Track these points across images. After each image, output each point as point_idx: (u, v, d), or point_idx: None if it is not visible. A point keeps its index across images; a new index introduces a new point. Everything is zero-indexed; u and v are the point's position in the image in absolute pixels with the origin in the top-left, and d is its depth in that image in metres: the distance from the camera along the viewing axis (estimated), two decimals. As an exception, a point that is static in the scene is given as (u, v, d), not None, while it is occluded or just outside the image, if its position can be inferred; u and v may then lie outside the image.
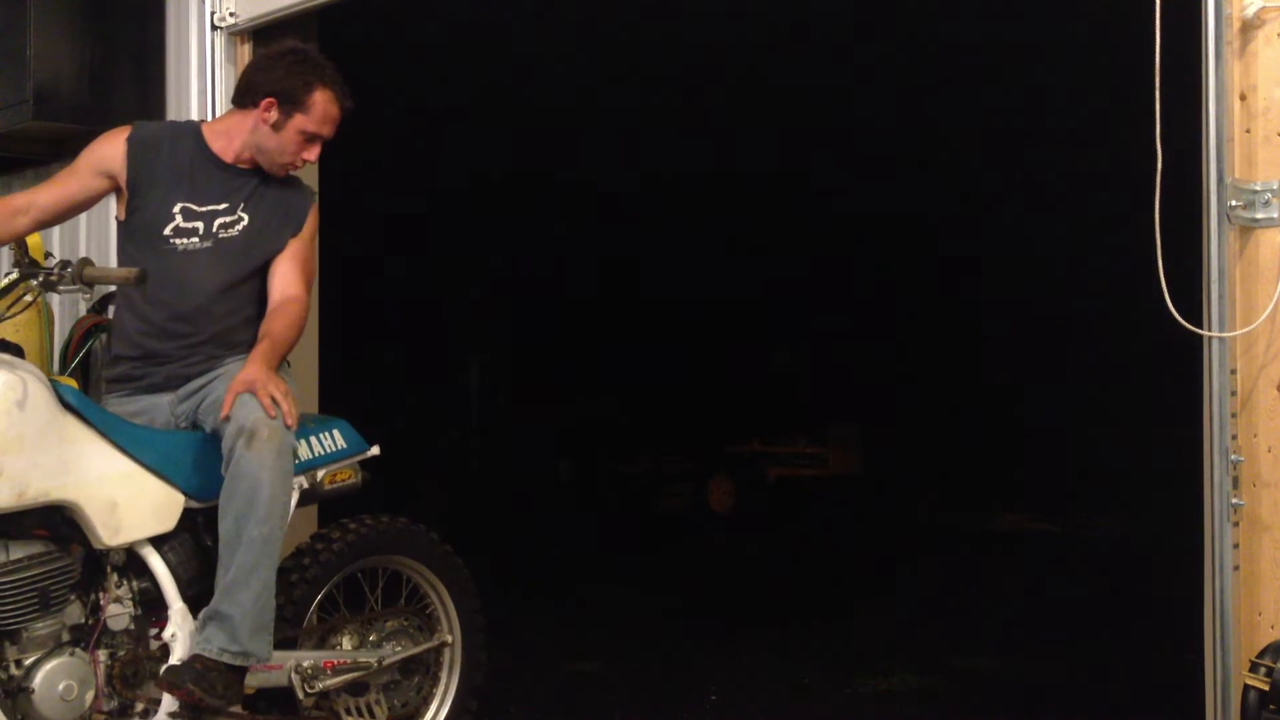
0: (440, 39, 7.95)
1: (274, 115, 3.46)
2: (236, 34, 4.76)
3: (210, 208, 3.47)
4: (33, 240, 5.50)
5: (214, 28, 4.79)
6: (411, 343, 11.75)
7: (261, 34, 4.67)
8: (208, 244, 3.44)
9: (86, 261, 3.36)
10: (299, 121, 3.47)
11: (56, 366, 4.77)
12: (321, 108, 3.48)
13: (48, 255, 5.59)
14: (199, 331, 3.41)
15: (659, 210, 11.70)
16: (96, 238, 5.60)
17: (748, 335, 12.69)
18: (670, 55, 8.51)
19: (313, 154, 3.54)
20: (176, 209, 3.46)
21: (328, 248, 4.75)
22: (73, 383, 4.06)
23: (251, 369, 3.20)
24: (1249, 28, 2.89)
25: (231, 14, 4.70)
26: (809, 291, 12.65)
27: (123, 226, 3.55)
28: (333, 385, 4.77)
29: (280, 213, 3.54)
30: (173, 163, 3.51)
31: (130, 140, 3.53)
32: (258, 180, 3.54)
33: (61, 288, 3.25)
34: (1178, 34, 2.90)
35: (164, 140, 3.55)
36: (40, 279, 3.16)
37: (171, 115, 5.17)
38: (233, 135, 3.54)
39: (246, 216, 3.49)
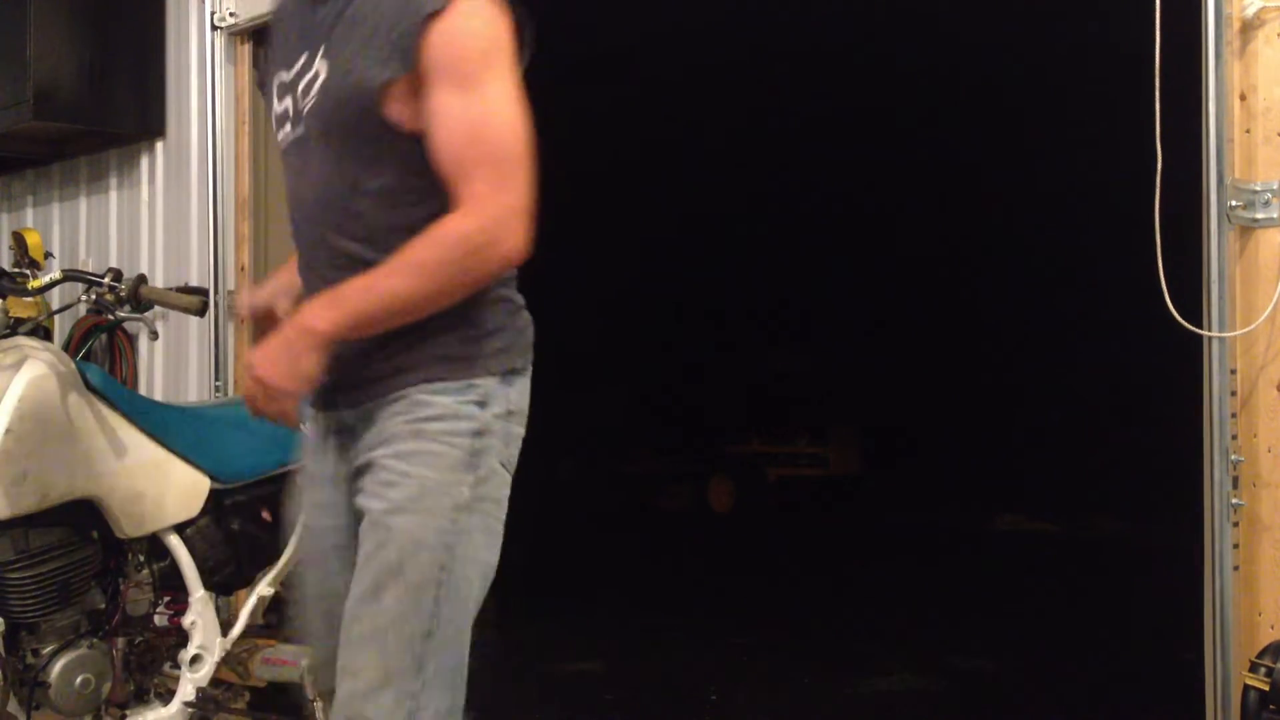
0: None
1: None
2: (236, 34, 4.76)
3: (295, 70, 2.15)
4: (33, 240, 5.52)
5: (214, 28, 4.79)
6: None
7: (262, 34, 4.67)
8: (299, 130, 2.14)
9: (142, 280, 3.07)
10: None
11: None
12: None
13: (48, 255, 5.59)
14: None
15: (659, 209, 11.70)
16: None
17: (748, 335, 12.69)
18: (690, 35, 8.47)
19: None
20: (274, 85, 2.23)
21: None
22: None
23: (259, 350, 2.01)
24: (1249, 28, 2.89)
25: (231, 14, 4.70)
26: (809, 291, 12.66)
27: None
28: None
29: (377, 33, 2.00)
30: (279, 15, 2.30)
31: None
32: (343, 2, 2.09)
33: (120, 312, 3.08)
34: (1178, 34, 2.90)
35: None
36: (94, 294, 3.05)
37: (172, 115, 5.16)
38: None
39: (325, 66, 2.07)
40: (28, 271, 3.29)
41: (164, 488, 3.07)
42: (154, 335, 3.64)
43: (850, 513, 10.96)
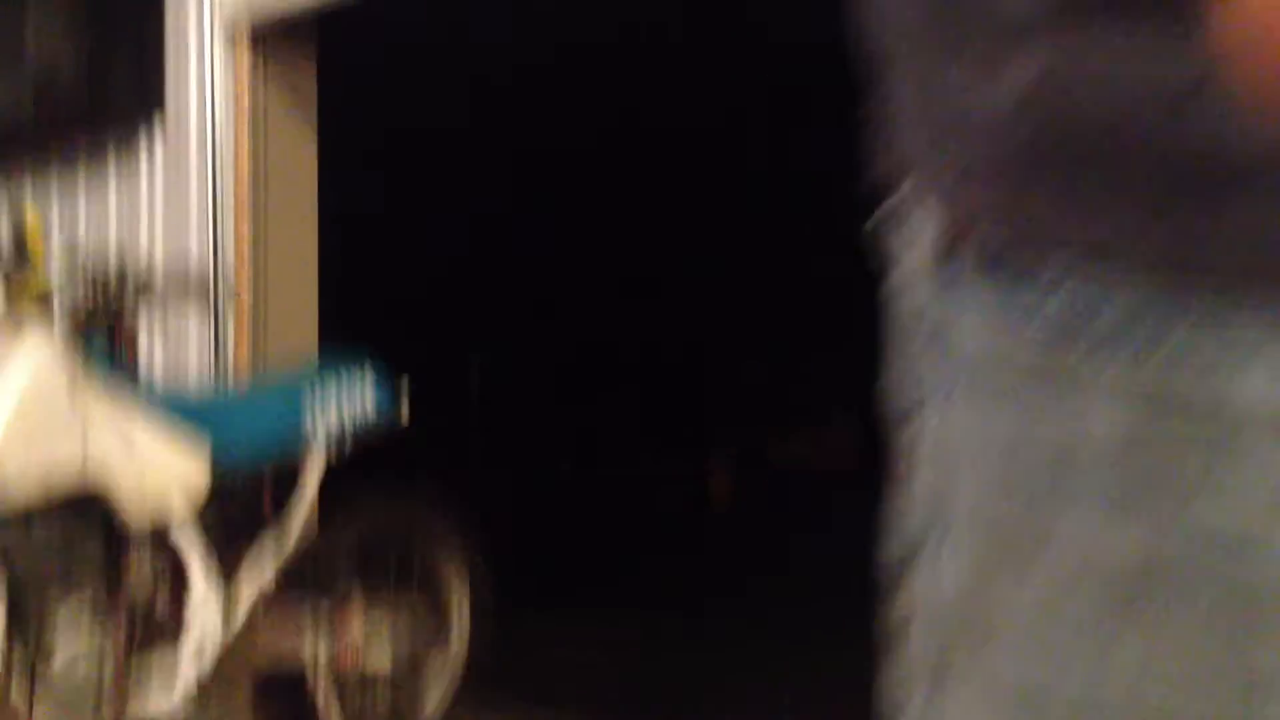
0: (442, 41, 7.95)
1: None
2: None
3: None
4: (32, 236, 5.51)
5: (214, 27, 4.79)
6: (408, 339, 11.73)
7: (262, 35, 4.67)
8: None
9: (148, 278, 3.20)
10: None
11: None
12: None
13: (48, 250, 5.59)
14: None
15: (658, 206, 11.70)
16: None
17: (747, 333, 12.70)
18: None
19: None
20: None
21: (325, 251, 4.75)
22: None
23: None
24: (1248, 28, 2.90)
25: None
26: (808, 290, 12.66)
27: None
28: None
29: None
30: None
31: None
32: None
33: (125, 309, 3.12)
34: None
35: None
36: (99, 291, 3.05)
37: (171, 115, 5.17)
38: None
39: None
40: (30, 265, 3.30)
41: (166, 480, 3.09)
42: (160, 333, 3.65)
43: (850, 512, 10.95)
